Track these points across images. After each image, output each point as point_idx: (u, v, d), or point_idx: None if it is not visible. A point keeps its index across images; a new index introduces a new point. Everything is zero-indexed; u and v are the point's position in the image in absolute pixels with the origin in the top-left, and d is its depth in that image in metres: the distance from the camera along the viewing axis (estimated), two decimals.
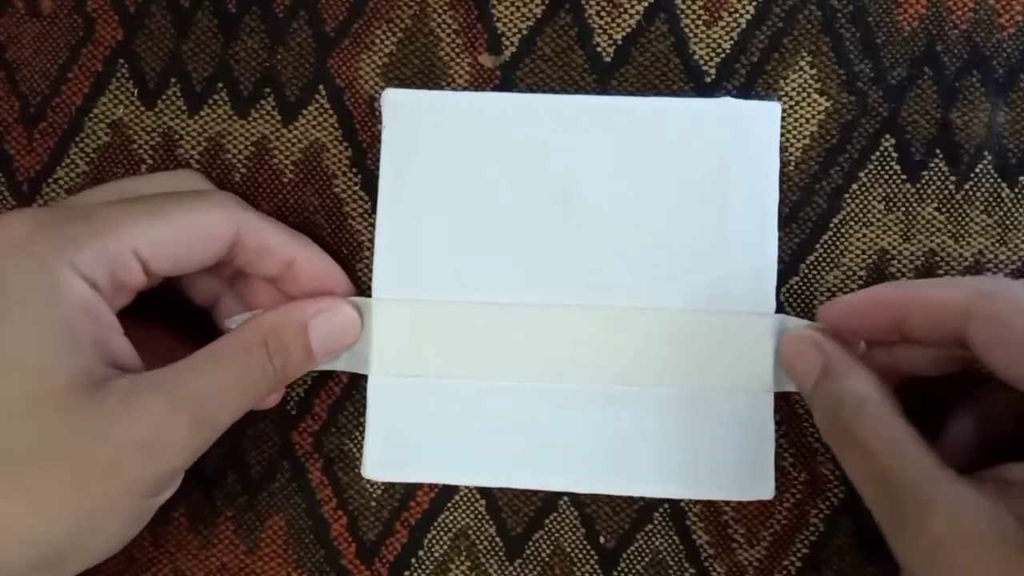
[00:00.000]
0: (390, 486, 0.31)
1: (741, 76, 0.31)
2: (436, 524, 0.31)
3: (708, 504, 0.31)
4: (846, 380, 0.26)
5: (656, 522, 0.31)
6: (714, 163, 0.30)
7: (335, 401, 0.31)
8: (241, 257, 0.28)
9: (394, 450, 0.30)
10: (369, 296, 0.30)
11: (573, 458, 0.30)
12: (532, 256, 0.30)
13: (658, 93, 0.31)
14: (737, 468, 0.29)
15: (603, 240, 0.30)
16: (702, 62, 0.31)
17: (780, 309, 0.30)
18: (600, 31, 0.31)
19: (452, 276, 0.30)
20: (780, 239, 0.30)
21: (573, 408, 0.30)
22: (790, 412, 0.30)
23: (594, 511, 0.31)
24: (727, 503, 0.30)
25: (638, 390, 0.30)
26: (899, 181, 0.31)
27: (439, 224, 0.30)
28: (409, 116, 0.30)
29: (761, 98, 0.31)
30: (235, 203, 0.29)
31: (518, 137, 0.30)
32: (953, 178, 0.31)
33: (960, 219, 0.31)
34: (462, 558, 0.31)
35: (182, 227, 0.27)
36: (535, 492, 0.31)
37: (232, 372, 0.26)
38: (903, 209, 0.31)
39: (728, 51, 0.31)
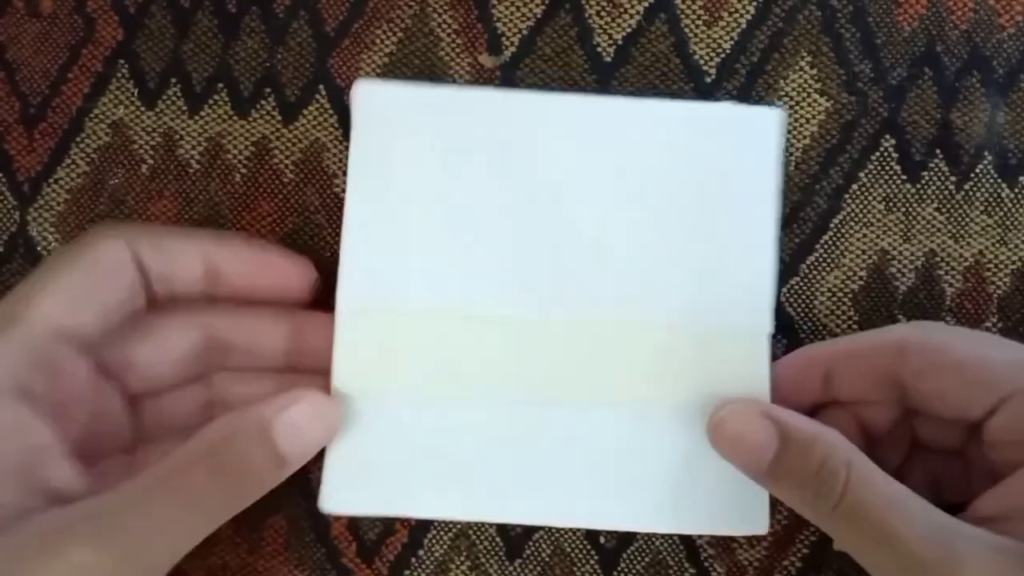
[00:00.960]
0: None
1: (741, 76, 0.31)
2: (436, 524, 0.31)
3: None
4: (817, 446, 0.24)
5: None
6: (713, 170, 0.29)
7: None
8: (156, 278, 0.26)
9: (356, 480, 0.27)
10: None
11: (555, 489, 0.27)
12: (516, 266, 0.28)
13: (658, 94, 0.31)
14: (731, 499, 0.27)
15: (593, 250, 0.28)
16: (702, 62, 0.31)
17: (780, 310, 0.30)
18: (600, 31, 0.31)
19: (427, 286, 0.28)
20: (781, 239, 0.30)
21: (556, 433, 0.28)
22: None
23: None
24: None
25: (627, 413, 0.28)
26: (899, 181, 0.31)
27: (413, 230, 0.28)
28: (383, 110, 0.28)
29: (763, 102, 0.31)
30: (120, 226, 0.27)
31: (503, 137, 0.28)
32: (953, 178, 0.31)
33: (960, 219, 0.31)
34: (462, 558, 0.31)
35: (81, 279, 0.25)
36: None
37: (170, 501, 0.22)
38: (903, 209, 0.31)
39: (728, 51, 0.31)
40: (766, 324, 0.28)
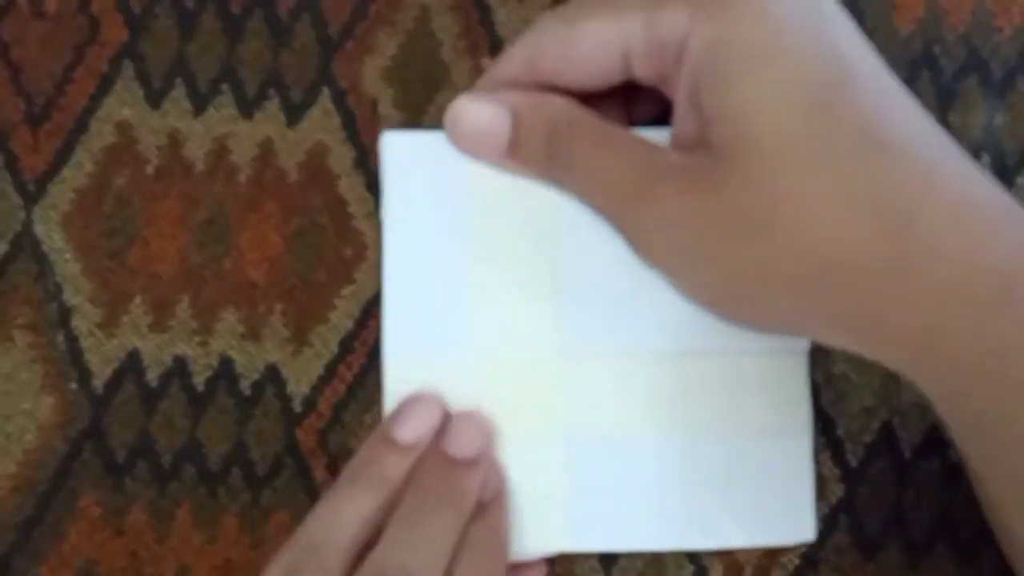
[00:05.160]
0: None
1: None
2: None
3: None
4: (542, 113, 0.25)
5: None
6: None
7: (340, 399, 0.31)
8: None
9: None
10: (365, 318, 0.31)
11: (602, 512, 0.28)
12: (549, 304, 0.28)
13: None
14: (777, 512, 0.28)
15: (626, 284, 0.28)
16: None
17: None
18: None
19: (463, 330, 0.29)
20: None
21: (598, 461, 0.28)
22: None
23: None
24: None
25: (670, 436, 0.28)
26: None
27: (448, 275, 0.29)
28: (409, 159, 0.29)
29: None
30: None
31: (524, 178, 0.28)
32: None
33: None
34: None
35: None
36: None
37: None
38: None
39: None
40: (803, 342, 0.29)
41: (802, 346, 0.29)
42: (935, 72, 0.31)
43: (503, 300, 0.29)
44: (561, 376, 0.29)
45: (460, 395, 0.29)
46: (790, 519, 0.29)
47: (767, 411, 0.28)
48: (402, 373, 0.29)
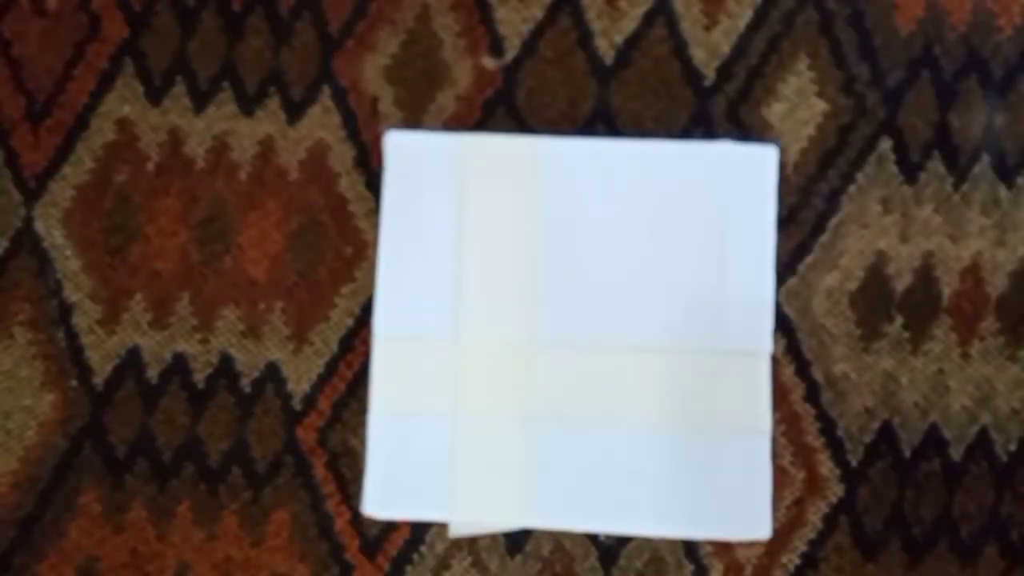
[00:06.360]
0: None
1: (740, 79, 0.31)
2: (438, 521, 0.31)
3: None
4: None
5: None
6: (712, 206, 0.30)
7: (340, 397, 0.31)
8: None
9: (394, 487, 0.30)
10: (365, 316, 0.31)
11: (570, 496, 0.30)
12: (531, 297, 0.30)
13: (657, 98, 0.31)
14: (734, 508, 0.29)
15: (602, 281, 0.30)
16: (701, 65, 0.31)
17: (778, 310, 0.31)
18: (600, 34, 0.31)
19: (451, 315, 0.30)
20: (779, 240, 0.30)
21: (570, 446, 0.30)
22: (789, 411, 0.31)
23: None
24: None
25: (635, 430, 0.30)
26: (897, 183, 0.31)
27: (439, 264, 0.30)
28: (411, 158, 0.31)
29: (761, 105, 0.31)
30: None
31: (519, 179, 0.30)
32: (951, 179, 0.31)
33: (958, 220, 0.31)
34: (464, 554, 0.31)
35: None
36: None
37: None
38: (901, 210, 0.31)
39: (727, 54, 0.31)
40: (767, 343, 0.30)
41: (765, 348, 0.30)
42: (935, 72, 0.31)
43: (484, 292, 0.30)
44: (530, 364, 0.30)
45: (437, 374, 0.30)
46: (747, 516, 0.29)
47: (728, 410, 0.30)
48: (389, 353, 0.30)
